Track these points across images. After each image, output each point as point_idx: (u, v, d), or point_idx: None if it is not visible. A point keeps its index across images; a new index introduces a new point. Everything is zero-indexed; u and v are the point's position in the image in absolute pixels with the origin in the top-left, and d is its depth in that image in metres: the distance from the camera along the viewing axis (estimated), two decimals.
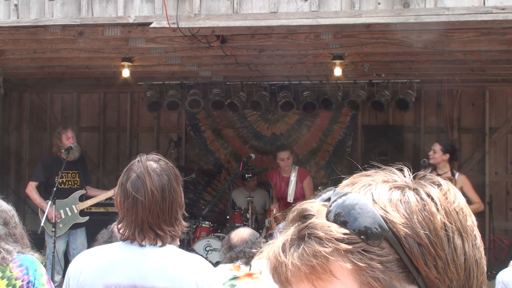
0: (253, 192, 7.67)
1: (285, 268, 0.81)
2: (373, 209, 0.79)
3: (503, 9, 4.33)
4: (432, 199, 0.81)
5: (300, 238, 0.80)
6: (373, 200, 0.81)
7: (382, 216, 0.78)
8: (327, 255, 0.77)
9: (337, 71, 6.38)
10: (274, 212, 6.87)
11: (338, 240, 0.77)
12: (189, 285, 2.00)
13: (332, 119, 8.60)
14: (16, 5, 4.98)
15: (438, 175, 5.70)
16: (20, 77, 8.41)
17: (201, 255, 3.20)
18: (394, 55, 6.41)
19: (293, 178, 6.94)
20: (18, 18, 5.02)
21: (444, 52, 5.99)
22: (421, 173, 0.87)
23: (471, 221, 0.83)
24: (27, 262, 2.32)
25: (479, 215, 8.01)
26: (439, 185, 0.84)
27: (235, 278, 3.24)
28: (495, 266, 7.27)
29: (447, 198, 0.82)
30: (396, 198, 0.81)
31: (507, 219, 8.21)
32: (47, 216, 6.22)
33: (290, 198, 6.87)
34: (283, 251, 0.81)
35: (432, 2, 4.41)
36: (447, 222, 0.79)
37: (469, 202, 6.06)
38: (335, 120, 8.59)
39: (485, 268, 0.84)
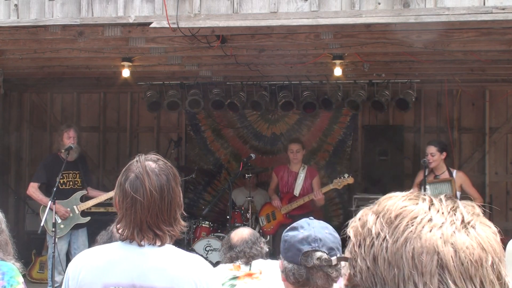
0: (253, 192, 7.67)
1: None
2: (348, 229, 0.89)
3: (503, 9, 4.33)
4: (379, 237, 0.86)
5: None
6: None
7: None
8: None
9: (337, 71, 6.38)
10: (278, 205, 7.05)
11: None
12: (188, 285, 2.00)
13: (332, 119, 8.59)
14: (16, 5, 4.98)
15: (436, 176, 5.70)
16: (20, 77, 8.41)
17: (201, 255, 3.20)
18: (394, 55, 6.40)
19: (301, 174, 7.08)
20: (18, 18, 5.02)
21: (444, 52, 5.98)
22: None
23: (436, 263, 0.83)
24: (5, 268, 2.29)
25: None
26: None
27: (235, 278, 3.24)
28: None
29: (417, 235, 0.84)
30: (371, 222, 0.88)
31: (507, 219, 8.21)
32: (57, 213, 6.21)
33: (296, 192, 7.00)
34: None
35: (432, 2, 4.41)
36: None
37: (469, 198, 6.10)
38: (335, 120, 8.59)
39: None
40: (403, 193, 0.90)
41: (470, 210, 0.89)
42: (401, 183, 7.88)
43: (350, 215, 7.87)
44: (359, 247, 0.86)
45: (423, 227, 0.84)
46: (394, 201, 0.88)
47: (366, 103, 8.07)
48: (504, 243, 7.63)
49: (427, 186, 5.89)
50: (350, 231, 0.88)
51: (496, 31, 5.13)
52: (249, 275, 3.24)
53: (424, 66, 6.93)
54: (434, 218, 0.85)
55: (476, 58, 6.29)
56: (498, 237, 0.89)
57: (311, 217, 2.21)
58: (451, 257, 0.82)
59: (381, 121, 8.54)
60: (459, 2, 4.38)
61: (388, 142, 8.12)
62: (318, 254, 2.05)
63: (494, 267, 0.84)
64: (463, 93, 8.30)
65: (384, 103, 7.79)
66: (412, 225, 0.84)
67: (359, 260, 0.85)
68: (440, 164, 6.07)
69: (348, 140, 8.60)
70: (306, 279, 2.07)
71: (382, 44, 5.60)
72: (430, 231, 0.84)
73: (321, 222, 2.19)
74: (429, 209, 0.87)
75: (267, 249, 3.44)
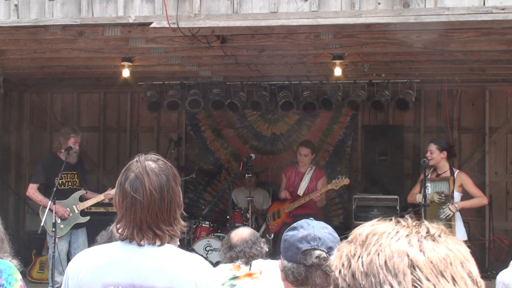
0: (253, 192, 7.68)
1: None
2: (330, 262, 1.00)
3: (503, 9, 4.33)
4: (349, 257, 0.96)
5: None
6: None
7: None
8: None
9: (337, 71, 6.38)
10: (286, 196, 7.14)
11: None
12: (188, 285, 2.00)
13: (332, 119, 8.59)
14: (16, 5, 4.98)
15: (438, 175, 5.71)
16: (20, 77, 8.41)
17: (201, 255, 3.20)
18: (394, 55, 6.40)
19: (308, 174, 7.13)
20: (18, 18, 5.02)
21: (444, 52, 5.98)
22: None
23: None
24: (2, 266, 2.28)
25: (479, 215, 8.03)
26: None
27: (235, 277, 3.24)
28: (495, 266, 7.26)
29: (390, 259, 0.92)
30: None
31: (507, 219, 8.21)
32: (56, 214, 6.20)
33: (300, 192, 7.07)
34: None
35: (432, 2, 4.41)
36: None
37: (471, 197, 6.09)
38: (335, 120, 8.59)
39: None
40: (372, 221, 1.01)
41: (436, 226, 0.99)
42: (401, 183, 7.89)
43: (350, 215, 7.90)
44: (339, 273, 0.95)
45: (391, 238, 0.94)
46: (364, 227, 1.00)
47: (366, 103, 8.08)
48: (505, 243, 7.59)
49: (428, 184, 5.92)
50: (332, 264, 0.99)
51: (496, 31, 5.13)
52: (249, 275, 3.24)
53: (424, 66, 6.93)
54: (400, 231, 0.96)
55: (476, 58, 6.29)
56: (467, 250, 0.96)
57: (311, 218, 2.21)
58: (420, 257, 0.91)
59: (381, 121, 8.54)
60: (459, 2, 4.38)
61: (388, 142, 8.12)
62: (317, 252, 2.06)
63: (464, 265, 0.92)
64: (463, 93, 8.30)
65: (384, 103, 7.79)
66: (382, 239, 0.94)
67: (340, 282, 0.94)
68: (442, 163, 6.06)
69: (348, 140, 8.59)
70: (305, 278, 2.08)
71: (382, 44, 5.60)
72: (398, 240, 0.94)
73: (321, 222, 2.20)
74: (395, 225, 0.98)
75: (267, 249, 3.44)
